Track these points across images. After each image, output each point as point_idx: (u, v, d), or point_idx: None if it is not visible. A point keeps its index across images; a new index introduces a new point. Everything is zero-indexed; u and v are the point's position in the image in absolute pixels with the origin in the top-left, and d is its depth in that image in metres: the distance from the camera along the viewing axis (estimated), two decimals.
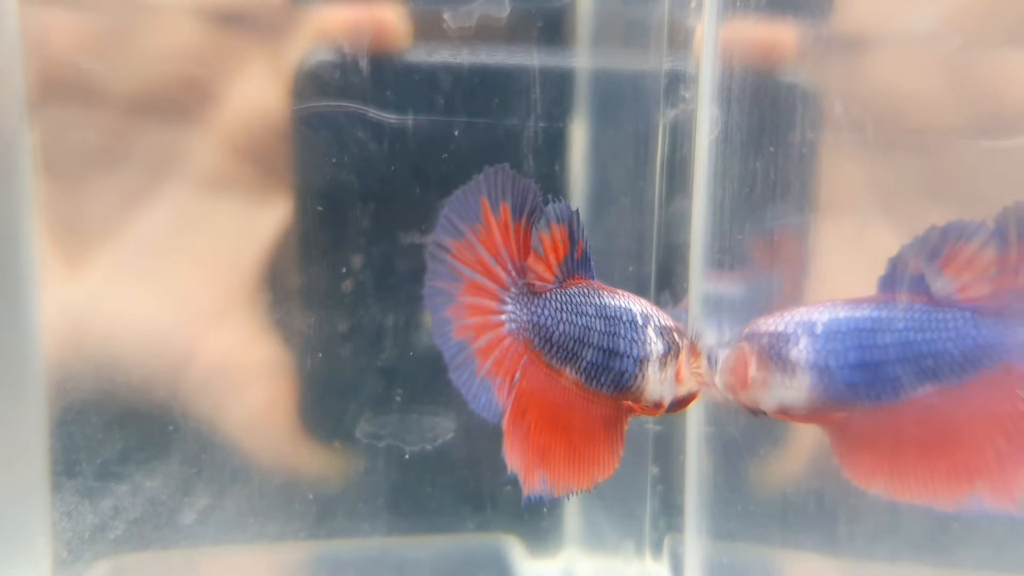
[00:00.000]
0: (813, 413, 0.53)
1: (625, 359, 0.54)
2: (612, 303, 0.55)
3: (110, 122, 0.73)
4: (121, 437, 0.76)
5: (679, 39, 0.75)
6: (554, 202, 0.52)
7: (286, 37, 0.74)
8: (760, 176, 0.62)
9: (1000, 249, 0.47)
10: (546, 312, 0.54)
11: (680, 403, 0.56)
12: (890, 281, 0.51)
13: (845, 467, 0.51)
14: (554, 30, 0.76)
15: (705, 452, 0.70)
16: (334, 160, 0.75)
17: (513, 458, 0.52)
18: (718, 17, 0.67)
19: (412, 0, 0.74)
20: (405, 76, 0.75)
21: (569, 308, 0.54)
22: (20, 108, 0.71)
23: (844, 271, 0.62)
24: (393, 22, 0.74)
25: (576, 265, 0.54)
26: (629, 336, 0.54)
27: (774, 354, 0.53)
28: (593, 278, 0.55)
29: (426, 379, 0.79)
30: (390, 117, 0.74)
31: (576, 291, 0.55)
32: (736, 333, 0.57)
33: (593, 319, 0.54)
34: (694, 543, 0.71)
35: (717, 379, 0.57)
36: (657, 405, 0.55)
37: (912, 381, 0.50)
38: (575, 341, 0.54)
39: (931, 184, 0.61)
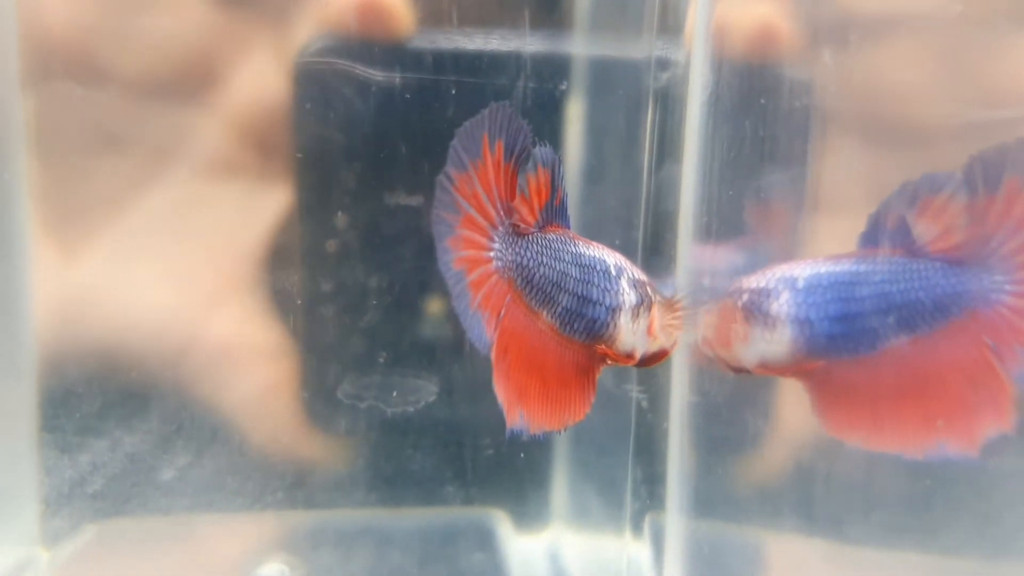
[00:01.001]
0: (794, 367, 0.53)
1: (598, 307, 0.55)
2: (587, 252, 0.56)
3: (112, 103, 0.73)
4: (101, 393, 0.76)
5: (672, 2, 0.74)
6: (541, 145, 0.54)
7: (291, 21, 0.74)
8: (749, 138, 0.62)
9: (968, 198, 0.47)
10: (528, 254, 0.55)
11: (653, 357, 0.57)
12: (870, 237, 0.51)
13: (824, 421, 0.52)
14: None
15: (688, 423, 0.69)
16: (330, 126, 0.75)
17: (499, 392, 0.54)
18: None
19: None
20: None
21: (548, 252, 0.55)
22: (14, 87, 0.71)
23: None
24: (398, 7, 0.73)
25: (555, 212, 0.56)
26: (602, 285, 0.56)
27: (755, 309, 0.54)
28: (569, 227, 0.57)
29: (409, 341, 0.79)
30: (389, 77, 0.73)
31: (555, 237, 0.56)
32: (720, 293, 0.57)
33: (569, 266, 0.55)
34: (675, 518, 0.70)
35: (700, 337, 0.57)
36: (629, 355, 0.56)
37: (888, 332, 0.51)
38: (552, 285, 0.55)
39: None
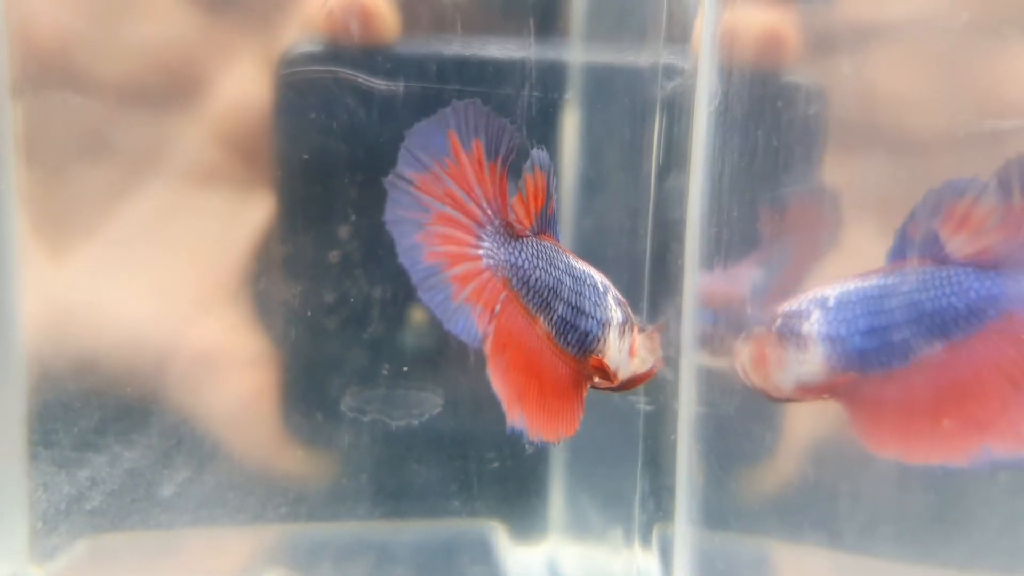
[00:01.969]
0: (830, 386, 0.53)
1: (590, 319, 0.56)
2: (577, 265, 0.57)
3: (95, 109, 0.72)
4: (99, 407, 0.75)
5: (679, 10, 0.73)
6: (538, 148, 0.53)
7: (274, 27, 0.73)
8: (762, 147, 0.61)
9: (1003, 202, 0.47)
10: (524, 256, 0.55)
11: (636, 379, 0.58)
12: (898, 251, 0.51)
13: (863, 437, 0.52)
14: (550, 2, 0.75)
15: (697, 435, 0.68)
16: (313, 132, 0.74)
17: (498, 387, 0.53)
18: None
19: None
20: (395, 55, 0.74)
21: (544, 258, 0.55)
22: (4, 93, 0.70)
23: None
24: (381, 10, 0.72)
25: (547, 222, 0.56)
26: (593, 298, 0.56)
27: (787, 332, 0.54)
28: (559, 239, 0.57)
29: (413, 354, 0.78)
30: (380, 84, 0.73)
31: (548, 245, 0.56)
32: (754, 322, 0.57)
33: (564, 275, 0.56)
34: (684, 529, 0.70)
35: (738, 369, 0.58)
36: (615, 374, 0.56)
37: (921, 341, 0.51)
38: (549, 290, 0.55)
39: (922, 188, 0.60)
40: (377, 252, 0.76)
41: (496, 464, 0.81)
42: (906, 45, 0.60)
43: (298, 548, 0.81)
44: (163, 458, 0.76)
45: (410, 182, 0.53)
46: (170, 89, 0.73)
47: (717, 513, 0.68)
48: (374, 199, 0.75)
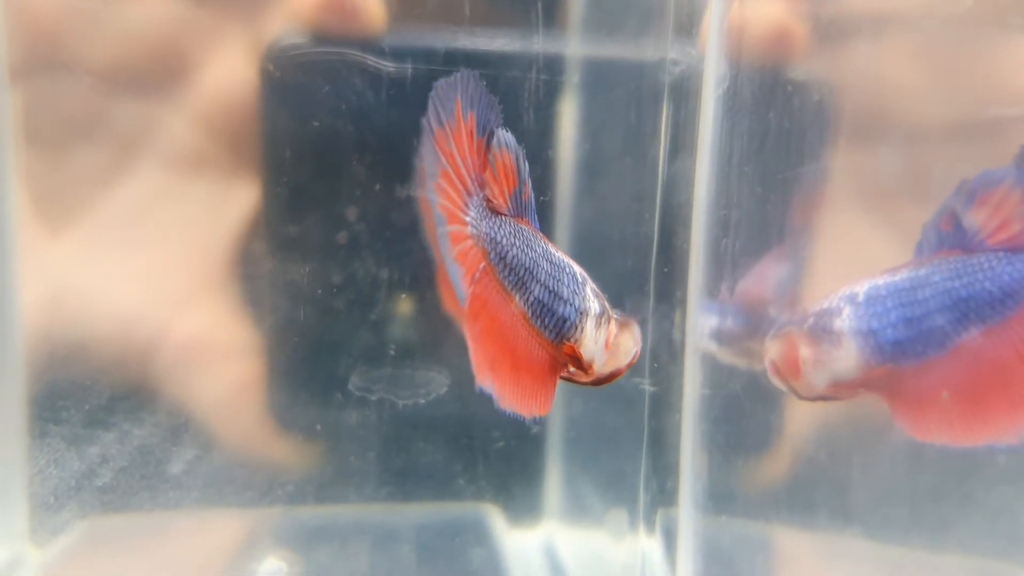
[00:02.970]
0: (865, 381, 0.54)
1: (568, 305, 0.56)
2: (555, 253, 0.58)
3: (82, 95, 0.72)
4: (109, 385, 0.75)
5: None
6: (503, 130, 0.55)
7: (261, 14, 0.74)
8: (773, 130, 0.62)
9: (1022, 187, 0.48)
10: (502, 232, 0.57)
11: (610, 376, 0.58)
12: (925, 245, 0.52)
13: (907, 427, 0.53)
14: None
15: (702, 416, 0.69)
16: (300, 120, 0.74)
17: (470, 346, 0.56)
18: None
19: None
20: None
21: (521, 238, 0.57)
22: (3, 79, 0.70)
23: (835, 270, 0.63)
24: (367, 4, 0.73)
25: (523, 207, 0.57)
26: (572, 286, 0.57)
27: (820, 330, 0.54)
28: (538, 227, 0.58)
29: (420, 335, 0.79)
30: (388, 66, 0.73)
31: (526, 229, 0.57)
32: (783, 322, 0.58)
33: (541, 258, 0.57)
34: (688, 513, 0.70)
35: (769, 369, 0.58)
36: (589, 365, 0.57)
37: (956, 327, 0.51)
38: (525, 270, 0.57)
39: (916, 182, 0.61)
40: (385, 233, 0.76)
41: (501, 444, 0.82)
42: (909, 35, 0.60)
43: (300, 529, 0.82)
44: (171, 436, 0.77)
45: (432, 131, 0.57)
46: (158, 75, 0.73)
47: (722, 496, 0.68)
48: (368, 181, 0.76)
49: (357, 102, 0.73)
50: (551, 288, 0.56)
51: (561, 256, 0.57)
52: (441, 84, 0.56)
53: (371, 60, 0.73)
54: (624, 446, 0.80)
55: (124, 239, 0.75)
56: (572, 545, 0.87)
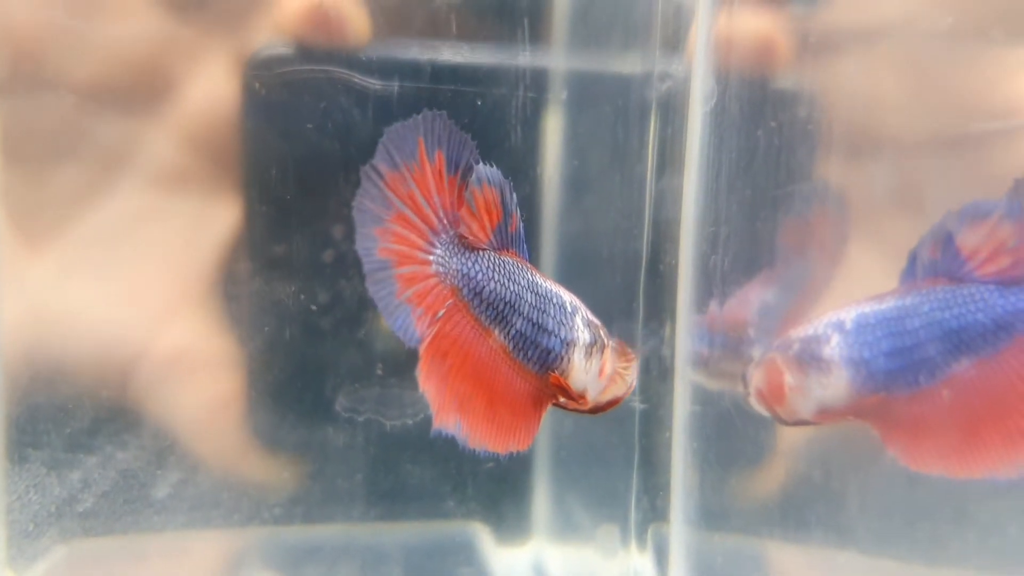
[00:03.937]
0: (853, 409, 0.53)
1: (553, 337, 0.56)
2: (543, 283, 0.57)
3: (63, 111, 0.71)
4: (92, 408, 0.74)
5: (671, 13, 0.74)
6: (486, 164, 0.55)
7: (244, 28, 0.73)
8: (762, 148, 0.62)
9: (1015, 220, 0.48)
10: (477, 267, 0.56)
11: (607, 404, 0.58)
12: (911, 272, 0.52)
13: (900, 456, 0.53)
14: (542, 5, 0.75)
15: (693, 433, 0.69)
16: (281, 135, 0.74)
17: (427, 388, 0.55)
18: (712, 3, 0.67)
19: None
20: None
21: (502, 272, 0.57)
22: None
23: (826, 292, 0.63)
24: (350, 14, 0.72)
25: (510, 239, 0.57)
26: (558, 317, 0.57)
27: (807, 357, 0.54)
28: (527, 258, 0.58)
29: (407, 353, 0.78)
30: (375, 84, 0.73)
31: (511, 261, 0.57)
32: (766, 348, 0.58)
33: (525, 291, 0.57)
34: (680, 529, 0.70)
35: (752, 397, 0.58)
36: (581, 395, 0.57)
37: (947, 358, 0.51)
38: (505, 304, 0.56)
39: (902, 196, 0.61)
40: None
41: (491, 464, 0.81)
42: (893, 49, 0.60)
43: (288, 550, 0.81)
44: (156, 459, 0.76)
45: (381, 176, 0.56)
46: (138, 90, 0.72)
47: (714, 512, 0.68)
48: (338, 197, 0.75)
49: (342, 119, 0.73)
50: (534, 320, 0.56)
51: (550, 286, 0.57)
52: (395, 127, 0.55)
53: (356, 77, 0.72)
54: (614, 463, 0.80)
55: (106, 256, 0.75)
56: (561, 562, 0.87)
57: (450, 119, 0.55)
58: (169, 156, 0.74)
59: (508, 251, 0.57)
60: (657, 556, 0.76)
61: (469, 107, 0.74)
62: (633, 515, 0.79)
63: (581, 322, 0.57)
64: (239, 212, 0.75)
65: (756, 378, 0.57)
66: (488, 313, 0.56)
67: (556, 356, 0.56)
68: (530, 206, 0.78)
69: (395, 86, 0.73)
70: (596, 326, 0.58)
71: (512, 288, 0.56)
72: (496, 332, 0.56)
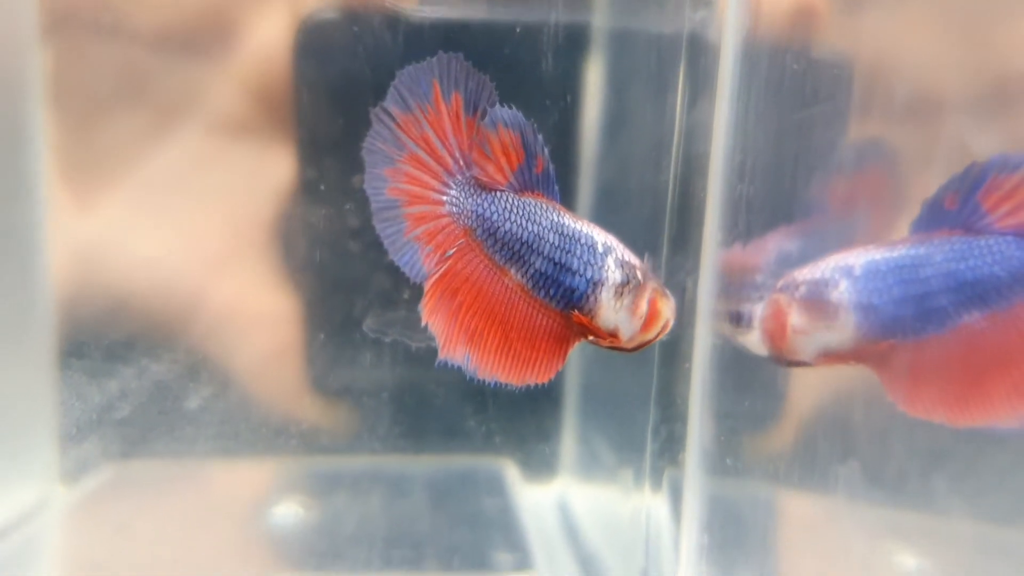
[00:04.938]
0: (856, 354, 0.53)
1: (577, 277, 0.57)
2: (572, 224, 0.57)
3: (125, 56, 0.73)
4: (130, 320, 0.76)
5: None
6: (506, 107, 0.55)
7: None
8: (789, 76, 0.61)
9: None
10: (493, 208, 0.57)
11: (642, 343, 0.59)
12: (924, 221, 0.51)
13: (900, 402, 0.53)
14: None
15: (711, 365, 0.69)
16: (335, 87, 0.74)
17: (433, 322, 0.57)
18: None
19: None
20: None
21: (520, 213, 0.57)
22: (34, 37, 0.70)
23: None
24: None
25: (536, 180, 0.57)
26: (585, 258, 0.57)
27: (814, 300, 0.53)
28: (556, 199, 0.58)
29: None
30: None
31: (533, 202, 0.57)
32: (769, 287, 0.57)
33: (547, 231, 0.57)
34: (694, 472, 0.70)
35: (754, 335, 0.58)
36: (612, 334, 0.58)
37: (959, 308, 0.51)
38: (523, 244, 0.57)
39: (929, 157, 0.59)
40: None
41: (518, 395, 0.82)
42: (927, 4, 0.59)
43: (315, 477, 0.83)
44: (188, 373, 0.78)
45: (393, 118, 0.56)
46: (199, 37, 0.74)
47: (730, 445, 0.68)
48: None
49: (387, 58, 0.73)
50: (557, 260, 0.57)
51: (579, 227, 0.57)
52: (408, 69, 0.55)
53: (402, 15, 0.72)
54: (639, 404, 0.80)
55: (163, 203, 0.77)
56: (586, 501, 0.88)
57: (466, 60, 0.55)
58: (228, 104, 0.75)
59: (533, 192, 0.57)
60: (672, 496, 0.76)
61: (509, 35, 0.74)
62: (649, 448, 0.80)
63: (613, 262, 0.57)
64: (293, 163, 0.76)
65: (758, 317, 0.57)
66: (504, 253, 0.57)
67: (580, 295, 0.57)
68: (567, 139, 0.78)
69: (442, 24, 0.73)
70: (632, 266, 0.58)
71: (531, 229, 0.57)
72: (512, 271, 0.57)
